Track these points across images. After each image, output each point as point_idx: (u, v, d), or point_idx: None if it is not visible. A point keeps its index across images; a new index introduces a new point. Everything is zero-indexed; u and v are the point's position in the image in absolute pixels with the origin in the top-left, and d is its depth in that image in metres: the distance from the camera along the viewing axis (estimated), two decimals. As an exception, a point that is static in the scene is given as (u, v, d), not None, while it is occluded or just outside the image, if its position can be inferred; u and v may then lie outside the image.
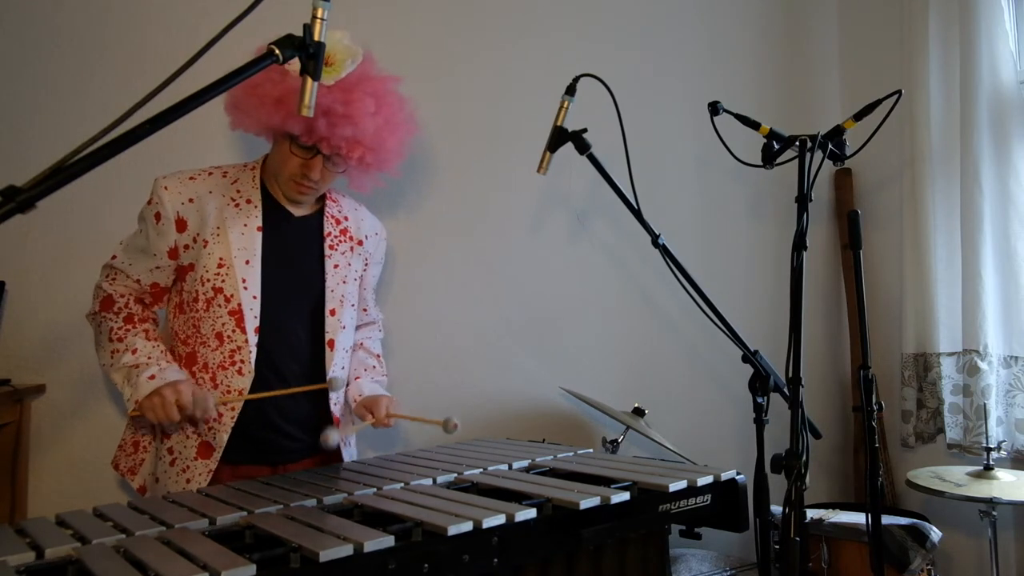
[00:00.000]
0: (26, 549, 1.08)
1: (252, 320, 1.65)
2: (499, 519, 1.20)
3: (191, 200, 1.65)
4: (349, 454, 1.86)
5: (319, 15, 1.13)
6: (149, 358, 1.60)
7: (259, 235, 1.68)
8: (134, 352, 1.61)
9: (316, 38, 1.12)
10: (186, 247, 1.65)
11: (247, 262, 1.65)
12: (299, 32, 1.11)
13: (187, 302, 1.68)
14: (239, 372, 1.65)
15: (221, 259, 1.64)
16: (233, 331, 1.64)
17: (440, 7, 2.50)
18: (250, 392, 1.65)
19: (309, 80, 1.14)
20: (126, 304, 1.67)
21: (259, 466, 1.71)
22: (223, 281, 1.64)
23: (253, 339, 1.65)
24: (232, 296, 1.64)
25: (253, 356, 1.65)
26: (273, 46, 1.09)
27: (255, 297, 1.65)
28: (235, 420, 1.66)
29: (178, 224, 1.64)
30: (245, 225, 1.67)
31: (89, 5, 2.02)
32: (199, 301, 1.65)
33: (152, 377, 1.56)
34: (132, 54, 2.04)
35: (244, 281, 1.64)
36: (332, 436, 1.66)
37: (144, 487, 1.74)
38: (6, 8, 1.94)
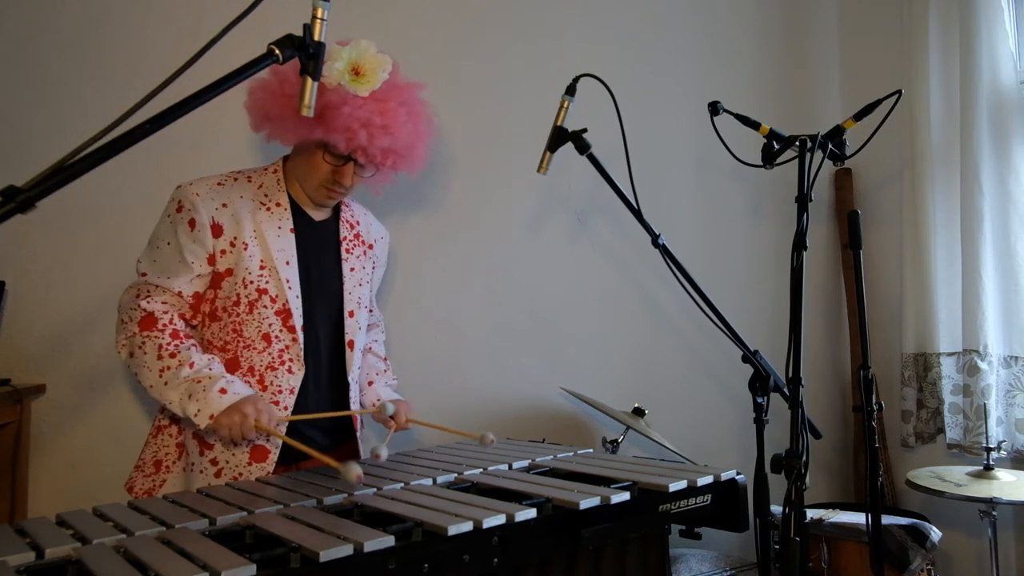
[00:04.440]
0: (26, 549, 1.08)
1: (298, 319, 1.67)
2: (499, 519, 1.20)
3: (224, 205, 1.65)
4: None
5: (319, 15, 1.13)
6: (211, 370, 1.57)
7: (293, 236, 1.70)
8: (191, 366, 1.56)
9: (316, 38, 1.12)
10: (223, 252, 1.65)
11: (287, 263, 1.68)
12: (299, 32, 1.11)
13: (223, 308, 1.66)
14: (289, 371, 1.67)
15: (263, 261, 1.65)
16: (281, 330, 1.66)
17: (440, 8, 2.50)
18: (299, 389, 1.68)
19: (309, 80, 1.14)
20: (170, 320, 1.62)
21: (275, 465, 1.71)
22: (267, 282, 1.65)
23: (301, 337, 1.67)
24: (277, 296, 1.66)
25: (303, 353, 1.68)
26: (273, 46, 1.09)
27: (298, 297, 1.68)
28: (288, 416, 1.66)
29: (214, 229, 1.63)
30: (279, 228, 1.69)
31: (89, 5, 2.02)
32: (240, 304, 1.65)
33: (223, 391, 1.53)
34: (132, 54, 2.04)
35: (287, 281, 1.67)
36: (383, 452, 1.61)
37: None
38: (6, 8, 1.94)
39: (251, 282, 1.65)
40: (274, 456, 1.65)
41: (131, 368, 1.62)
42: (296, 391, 1.67)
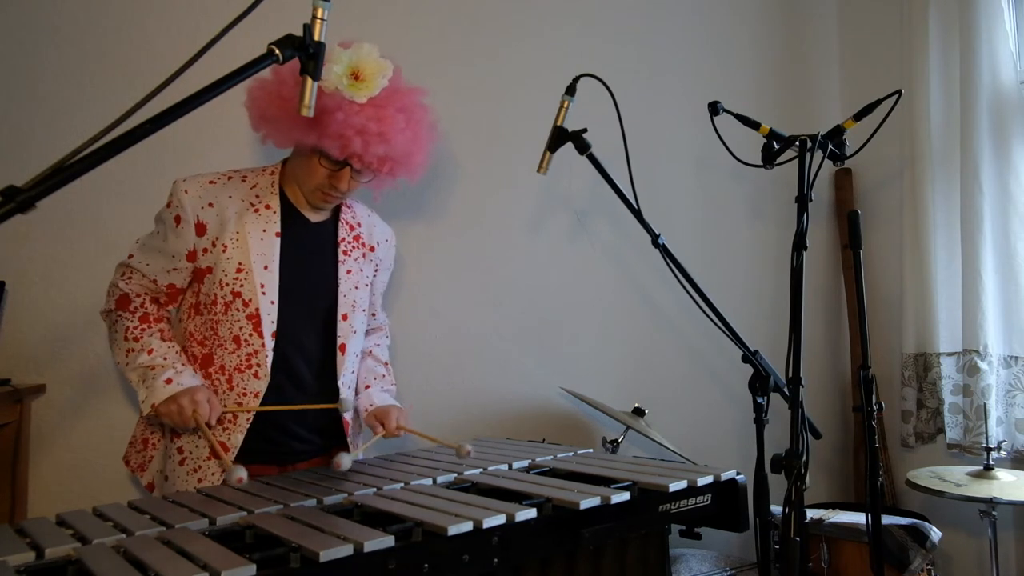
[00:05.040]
0: (26, 549, 1.08)
1: (269, 325, 1.67)
2: (499, 519, 1.20)
3: (211, 204, 1.66)
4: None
5: (319, 15, 1.13)
6: (165, 359, 1.62)
7: (277, 240, 1.69)
8: (150, 352, 1.62)
9: (316, 38, 1.13)
10: (204, 250, 1.66)
11: (265, 267, 1.67)
12: (299, 32, 1.11)
13: (204, 304, 1.69)
14: (255, 375, 1.67)
15: (240, 264, 1.65)
16: (250, 335, 1.66)
17: (440, 7, 2.50)
18: (264, 395, 1.67)
19: (309, 80, 1.14)
20: (142, 304, 1.69)
21: (267, 466, 1.72)
22: (241, 286, 1.65)
23: (270, 343, 1.67)
24: (250, 301, 1.65)
25: (270, 360, 1.67)
26: (273, 46, 1.09)
27: (273, 302, 1.67)
28: (250, 422, 1.67)
29: (197, 228, 1.65)
30: (264, 230, 1.68)
31: (89, 5, 2.02)
32: (217, 304, 1.66)
33: (169, 381, 1.58)
34: (132, 54, 2.04)
35: (262, 286, 1.66)
36: (344, 461, 1.57)
37: (153, 484, 1.74)
38: (6, 8, 1.94)
39: (227, 284, 1.65)
40: (232, 455, 1.65)
41: (108, 340, 1.73)
42: (261, 396, 1.66)
